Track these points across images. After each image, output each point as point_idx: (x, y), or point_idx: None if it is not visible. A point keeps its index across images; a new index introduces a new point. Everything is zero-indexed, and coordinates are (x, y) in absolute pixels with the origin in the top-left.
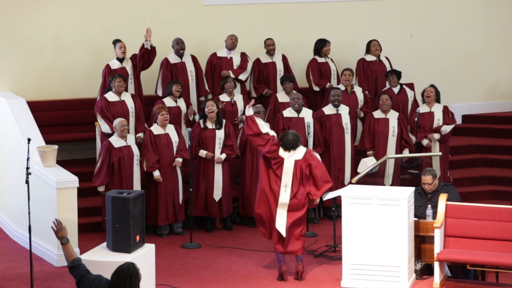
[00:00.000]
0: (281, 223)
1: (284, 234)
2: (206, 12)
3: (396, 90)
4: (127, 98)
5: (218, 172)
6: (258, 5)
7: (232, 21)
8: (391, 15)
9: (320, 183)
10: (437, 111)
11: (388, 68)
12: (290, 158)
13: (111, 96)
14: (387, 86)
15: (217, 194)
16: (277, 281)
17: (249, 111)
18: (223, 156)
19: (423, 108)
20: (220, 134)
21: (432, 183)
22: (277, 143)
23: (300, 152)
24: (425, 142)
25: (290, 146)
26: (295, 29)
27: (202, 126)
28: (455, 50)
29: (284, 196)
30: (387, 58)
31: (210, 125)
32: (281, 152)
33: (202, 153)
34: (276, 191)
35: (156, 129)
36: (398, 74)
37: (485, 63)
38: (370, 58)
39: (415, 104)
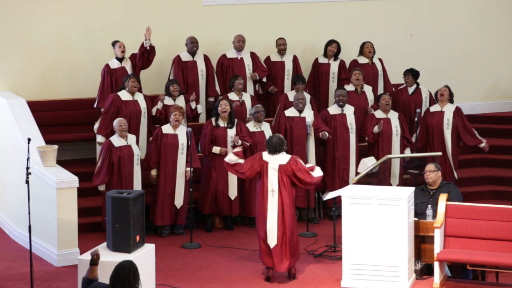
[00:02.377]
0: (272, 234)
1: (272, 245)
2: (206, 12)
3: (411, 90)
4: (140, 98)
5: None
6: (258, 5)
7: (232, 21)
8: (391, 16)
9: (305, 186)
10: (448, 111)
11: (380, 71)
12: (274, 162)
13: (124, 95)
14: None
15: (233, 193)
16: (277, 281)
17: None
18: (239, 141)
19: (435, 107)
20: (231, 133)
21: (433, 171)
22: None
23: (284, 157)
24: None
25: (274, 149)
26: (295, 29)
27: (214, 124)
28: (455, 50)
29: (272, 200)
30: (380, 60)
31: (222, 123)
32: (265, 156)
33: (216, 149)
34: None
35: (166, 128)
36: (414, 74)
37: (485, 63)
38: (362, 60)
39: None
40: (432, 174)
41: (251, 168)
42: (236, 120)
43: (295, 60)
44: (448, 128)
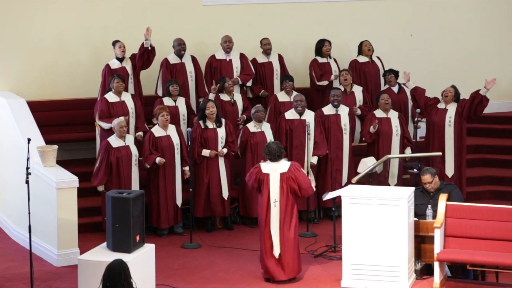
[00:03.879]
0: (277, 243)
1: (277, 254)
2: (206, 12)
3: (395, 89)
4: (127, 98)
5: (223, 171)
6: (258, 5)
7: (232, 21)
8: (390, 15)
9: (304, 193)
10: (452, 109)
11: (381, 68)
12: (275, 172)
13: (111, 97)
14: (383, 86)
15: (226, 193)
16: (277, 281)
17: None
18: (225, 150)
19: (441, 105)
20: (221, 132)
21: (432, 181)
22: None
23: (284, 165)
24: (408, 82)
25: (276, 156)
26: (295, 29)
27: (202, 126)
28: (455, 50)
29: (275, 211)
30: (378, 58)
31: (210, 124)
32: (265, 168)
33: (206, 152)
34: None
35: (157, 131)
36: (396, 74)
37: (484, 63)
38: (362, 59)
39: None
40: (432, 184)
41: (253, 180)
42: (223, 120)
43: (280, 59)
44: (450, 125)
